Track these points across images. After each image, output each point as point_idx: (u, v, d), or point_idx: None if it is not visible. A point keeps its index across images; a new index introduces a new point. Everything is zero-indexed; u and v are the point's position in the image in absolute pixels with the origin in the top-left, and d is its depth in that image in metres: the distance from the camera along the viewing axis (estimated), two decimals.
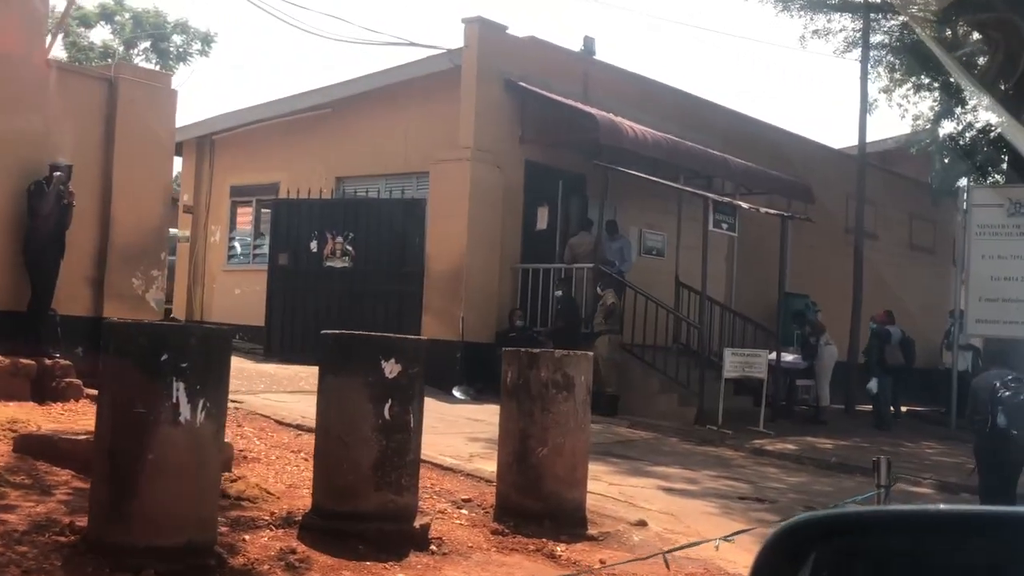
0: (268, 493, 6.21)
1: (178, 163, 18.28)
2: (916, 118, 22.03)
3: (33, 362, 8.81)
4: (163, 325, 5.89)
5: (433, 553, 5.65)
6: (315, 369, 6.01)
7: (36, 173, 9.41)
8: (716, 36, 69.04)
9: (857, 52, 18.55)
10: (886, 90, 21.18)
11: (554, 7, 62.73)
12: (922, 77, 20.08)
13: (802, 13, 18.85)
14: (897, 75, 20.69)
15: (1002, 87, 16.83)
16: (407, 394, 5.69)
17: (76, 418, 8.10)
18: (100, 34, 32.06)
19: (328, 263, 14.32)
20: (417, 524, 5.69)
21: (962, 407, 15.75)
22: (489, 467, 7.49)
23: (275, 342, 14.38)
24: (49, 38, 10.69)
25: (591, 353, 7.19)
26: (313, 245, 14.38)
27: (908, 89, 21.04)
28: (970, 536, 1.29)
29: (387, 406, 5.58)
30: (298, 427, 8.60)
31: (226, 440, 7.20)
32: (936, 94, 20.72)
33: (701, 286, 13.48)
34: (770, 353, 13.91)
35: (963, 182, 20.14)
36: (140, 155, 10.39)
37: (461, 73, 13.78)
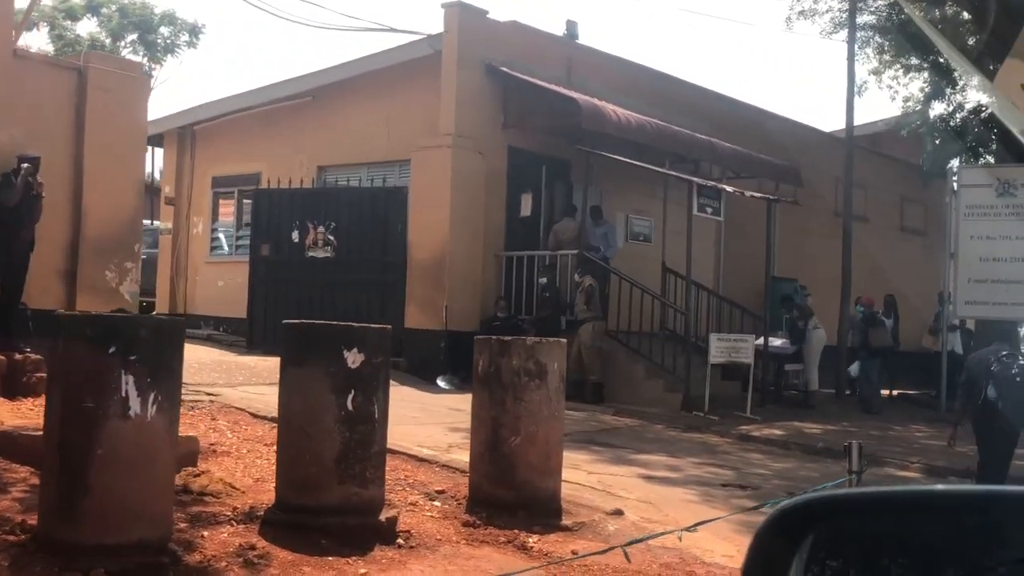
0: (233, 488, 6.06)
1: (160, 155, 18.13)
2: (906, 100, 21.89)
3: (3, 357, 8.65)
4: (111, 316, 5.72)
5: (400, 547, 5.51)
6: None
7: (3, 165, 9.24)
8: (702, 19, 68.81)
9: (844, 33, 18.37)
10: (876, 72, 21.04)
11: None
12: (911, 58, 19.90)
13: None
14: (886, 56, 20.51)
15: (991, 68, 16.65)
16: (371, 384, 5.55)
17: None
18: (87, 27, 31.83)
19: (310, 253, 14.16)
20: (383, 517, 5.55)
21: (954, 388, 15.67)
22: (466, 458, 7.34)
23: (257, 334, 14.22)
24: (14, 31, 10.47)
25: (564, 340, 7.04)
26: (295, 235, 14.23)
27: (898, 70, 20.89)
28: (964, 516, 1.30)
29: (350, 397, 5.44)
30: (273, 420, 8.39)
31: (195, 435, 7.11)
32: (926, 75, 20.54)
33: (686, 271, 13.32)
34: (757, 338, 13.78)
35: (955, 163, 19.98)
36: (112, 145, 10.22)
37: (441, 59, 13.60)
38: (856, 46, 18.26)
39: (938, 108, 21.22)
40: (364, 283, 13.80)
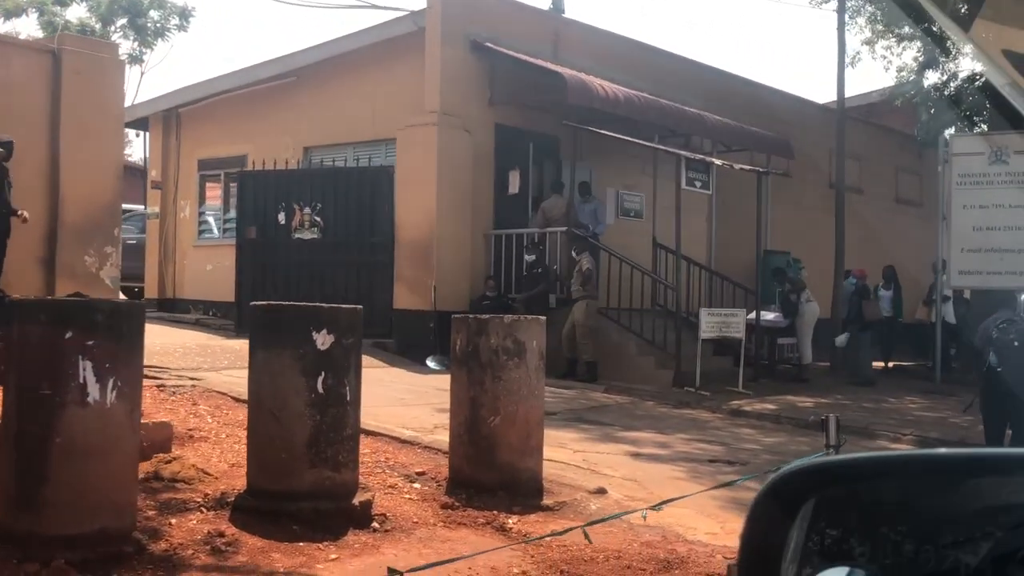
0: (206, 474, 5.95)
1: (145, 138, 17.95)
2: (900, 69, 21.58)
3: None
4: (66, 301, 5.60)
5: (374, 531, 5.41)
6: None
7: None
8: None
9: (835, 3, 18.13)
10: (869, 42, 20.74)
11: None
12: (904, 27, 19.63)
13: None
14: (879, 26, 20.25)
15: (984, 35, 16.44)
16: (342, 366, 5.43)
17: None
18: (76, 12, 31.53)
19: (297, 235, 14.02)
20: (357, 501, 5.44)
21: (947, 360, 15.59)
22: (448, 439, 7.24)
23: (245, 317, 14.06)
24: None
25: (544, 318, 6.92)
26: (281, 217, 14.07)
27: (891, 40, 20.61)
28: (965, 478, 1.29)
29: (320, 379, 5.33)
30: None
31: (168, 420, 6.99)
32: (919, 44, 20.28)
33: (675, 246, 13.17)
34: (749, 312, 13.65)
35: (949, 132, 19.77)
36: (88, 128, 10.06)
37: (425, 36, 13.40)
38: (847, 16, 18.02)
39: (932, 77, 20.98)
40: (352, 264, 13.66)
